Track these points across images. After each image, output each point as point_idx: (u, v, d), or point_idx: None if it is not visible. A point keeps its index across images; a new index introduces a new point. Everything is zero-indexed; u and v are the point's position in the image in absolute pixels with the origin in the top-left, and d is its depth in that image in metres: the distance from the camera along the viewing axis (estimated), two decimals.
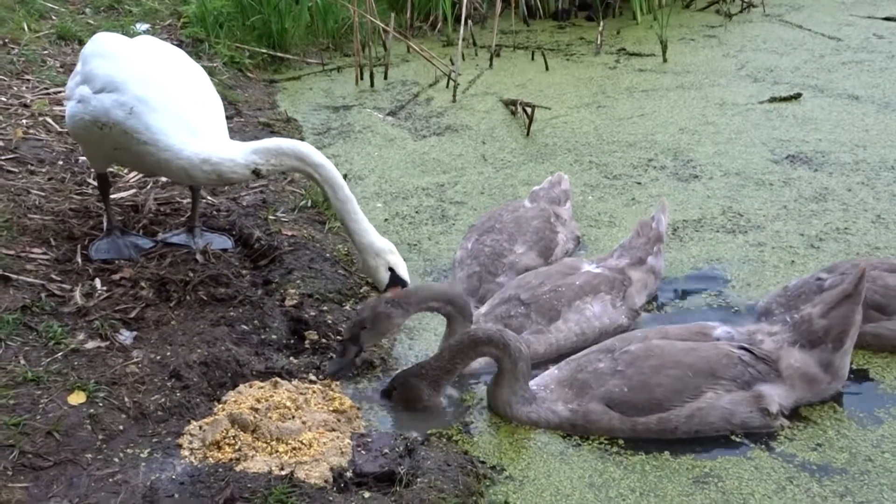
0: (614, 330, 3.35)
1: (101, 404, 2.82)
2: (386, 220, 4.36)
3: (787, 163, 4.80)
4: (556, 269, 3.49)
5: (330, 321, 3.43)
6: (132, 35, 5.80)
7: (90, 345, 3.11)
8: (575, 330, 3.31)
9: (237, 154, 3.26)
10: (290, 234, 3.94)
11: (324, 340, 3.34)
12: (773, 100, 5.67)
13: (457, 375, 3.05)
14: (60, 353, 3.03)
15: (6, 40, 5.55)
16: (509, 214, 3.89)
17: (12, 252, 3.51)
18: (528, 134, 5.31)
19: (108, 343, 3.14)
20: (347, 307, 3.55)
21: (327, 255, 3.86)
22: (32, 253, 3.56)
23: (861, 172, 4.65)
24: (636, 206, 4.40)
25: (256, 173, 3.28)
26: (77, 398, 2.83)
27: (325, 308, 3.49)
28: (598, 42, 6.83)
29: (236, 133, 5.11)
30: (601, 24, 7.02)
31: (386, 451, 2.71)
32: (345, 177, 4.58)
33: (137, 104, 3.30)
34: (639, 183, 4.66)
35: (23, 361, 2.95)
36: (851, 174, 4.64)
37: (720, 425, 2.86)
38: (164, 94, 3.32)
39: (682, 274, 3.83)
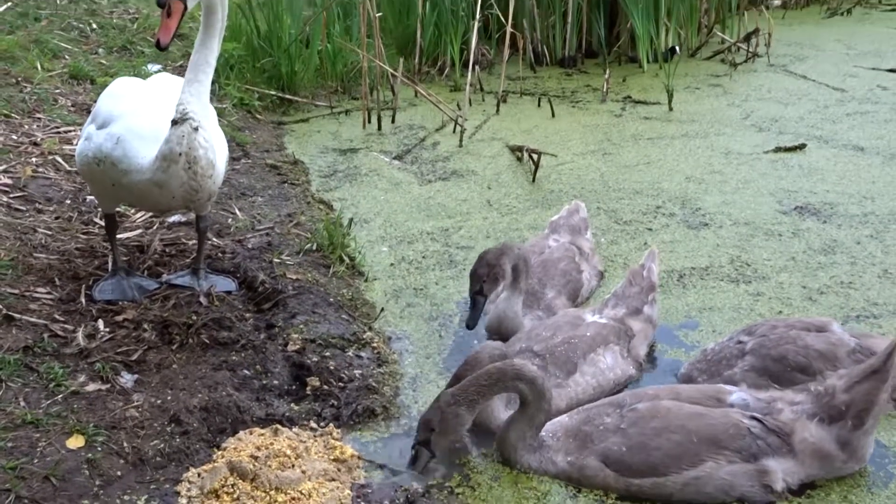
0: (625, 381, 3.36)
1: (99, 449, 2.79)
2: (392, 264, 4.36)
3: (796, 213, 4.80)
4: (563, 319, 3.47)
5: (332, 367, 3.41)
6: (144, 76, 5.88)
7: (91, 387, 3.09)
8: (592, 383, 3.29)
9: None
10: (294, 277, 3.94)
11: (325, 387, 3.31)
12: (778, 150, 5.69)
13: (482, 406, 2.96)
14: (60, 396, 3.00)
15: (19, 79, 5.61)
16: (536, 257, 3.92)
17: (17, 291, 3.51)
18: (533, 180, 5.32)
19: (108, 385, 3.12)
20: (350, 353, 3.53)
21: (331, 299, 3.85)
22: (37, 292, 3.56)
23: (870, 225, 4.65)
24: (658, 252, 4.40)
25: None
26: (76, 442, 2.80)
27: (327, 354, 3.47)
28: (605, 89, 6.88)
29: (243, 174, 5.14)
30: (607, 71, 7.09)
31: (386, 502, 2.67)
32: (350, 221, 4.64)
33: (124, 133, 3.35)
34: (650, 229, 4.67)
35: (22, 403, 2.93)
36: (860, 226, 4.63)
37: (718, 497, 2.76)
38: (155, 124, 3.34)
39: (672, 323, 3.83)
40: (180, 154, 3.24)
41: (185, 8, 3.23)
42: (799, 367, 3.14)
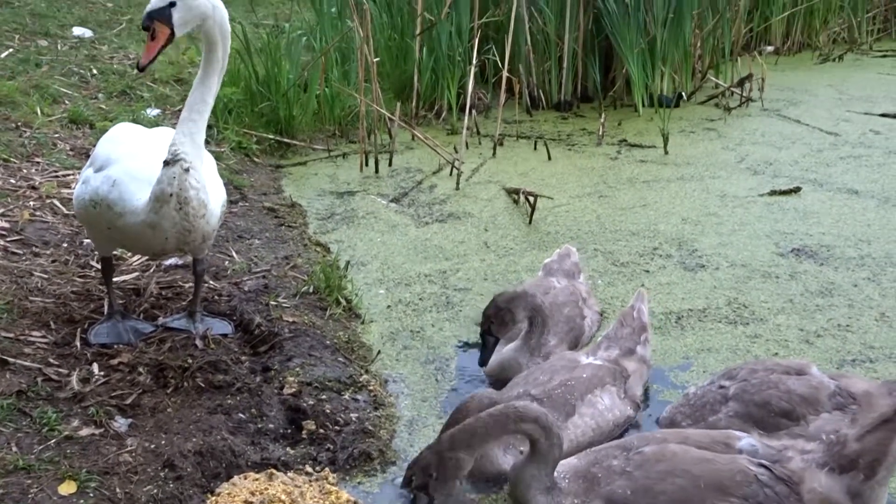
0: (624, 421, 3.34)
1: (91, 495, 2.75)
2: (389, 306, 4.35)
3: (793, 256, 4.81)
4: (560, 363, 3.46)
5: (328, 410, 3.38)
6: (143, 120, 5.92)
7: (84, 432, 3.06)
8: (591, 424, 3.26)
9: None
10: (291, 320, 3.92)
11: (321, 430, 3.28)
12: (773, 193, 5.72)
13: (484, 449, 2.91)
14: (53, 441, 2.97)
15: (19, 124, 5.65)
16: (541, 296, 3.90)
17: (11, 335, 3.49)
18: (530, 222, 5.34)
19: (102, 430, 3.09)
20: (346, 396, 3.50)
21: (327, 342, 3.83)
22: (31, 336, 3.54)
23: (866, 268, 4.66)
24: (647, 293, 4.40)
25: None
26: (68, 488, 2.77)
27: (323, 397, 3.45)
28: (600, 133, 6.94)
29: (240, 217, 5.15)
30: (603, 115, 7.15)
31: None
32: (347, 263, 4.64)
33: (120, 176, 3.36)
34: (647, 271, 4.68)
35: (15, 448, 2.89)
36: (857, 269, 4.64)
37: None
38: (152, 167, 3.35)
39: (670, 364, 3.82)
40: (171, 195, 3.24)
41: (172, 34, 3.24)
42: (782, 413, 3.12)
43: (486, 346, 3.66)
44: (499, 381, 3.60)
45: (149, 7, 3.24)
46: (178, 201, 3.26)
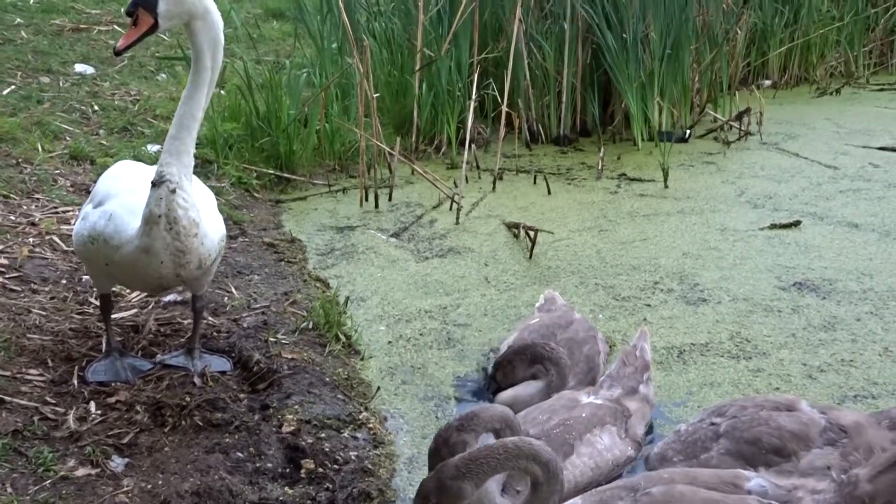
0: (625, 462, 3.30)
1: None
2: (389, 342, 4.32)
3: (795, 290, 4.79)
4: (559, 402, 3.42)
5: (327, 449, 3.34)
6: (144, 156, 5.94)
7: (80, 472, 3.03)
8: (590, 464, 3.22)
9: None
10: (290, 356, 3.90)
11: (320, 469, 3.24)
12: (773, 226, 5.72)
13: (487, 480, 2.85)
14: (49, 481, 2.93)
15: (20, 160, 5.66)
16: (561, 332, 3.90)
17: (8, 373, 3.47)
18: (530, 256, 5.33)
19: (98, 470, 3.05)
20: (346, 434, 3.47)
21: (326, 378, 3.80)
22: (29, 374, 3.51)
23: (869, 302, 4.64)
24: (648, 327, 4.37)
25: None
26: None
27: (322, 435, 3.41)
28: (600, 167, 6.96)
29: (240, 253, 5.14)
30: (602, 149, 7.18)
31: None
32: (347, 299, 4.62)
33: (117, 209, 3.35)
34: (648, 305, 4.66)
35: (9, 490, 2.85)
36: (860, 303, 4.62)
37: None
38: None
39: (673, 399, 3.79)
40: (160, 216, 3.23)
41: (155, 24, 3.17)
42: (773, 449, 3.09)
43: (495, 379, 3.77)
44: None
45: None
46: (167, 221, 3.24)
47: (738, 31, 8.76)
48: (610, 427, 3.32)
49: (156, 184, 3.25)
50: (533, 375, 3.67)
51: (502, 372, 3.74)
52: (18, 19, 8.88)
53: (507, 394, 3.67)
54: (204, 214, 3.40)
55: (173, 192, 3.23)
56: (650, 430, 3.59)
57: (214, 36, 3.29)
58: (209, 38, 3.28)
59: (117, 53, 3.26)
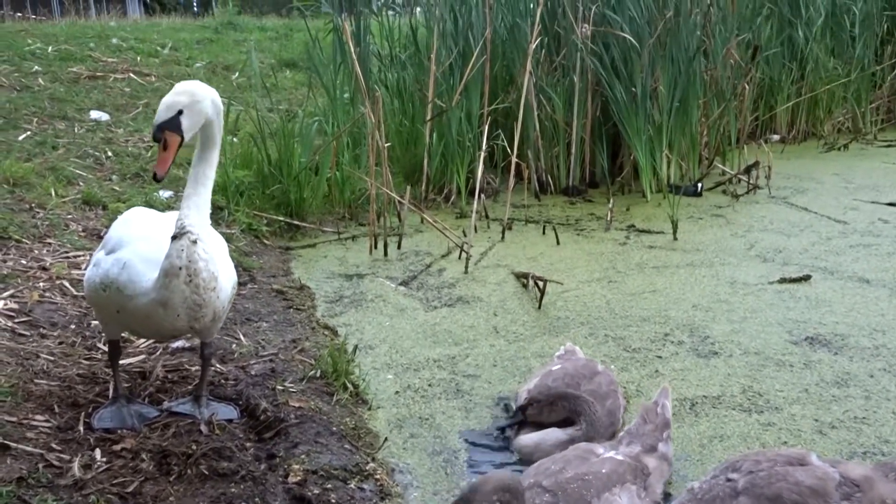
0: None
1: None
2: (397, 392, 4.29)
3: (807, 344, 4.75)
4: (573, 453, 3.37)
5: (334, 500, 3.29)
6: (156, 202, 5.98)
7: None
8: None
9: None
10: (297, 405, 3.86)
11: None
12: (783, 280, 5.70)
13: None
14: None
15: (33, 205, 5.71)
16: (586, 383, 3.87)
17: (14, 419, 3.44)
18: (539, 307, 5.31)
19: None
20: (352, 485, 3.41)
21: (334, 428, 3.76)
22: (35, 420, 3.48)
23: (882, 358, 4.59)
24: (660, 379, 4.34)
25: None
26: None
27: (329, 486, 3.36)
28: (609, 218, 6.98)
29: (248, 300, 5.13)
30: (611, 200, 7.20)
31: None
32: (355, 347, 4.60)
33: (131, 258, 3.36)
34: (659, 357, 4.62)
35: None
36: (872, 359, 4.58)
37: None
38: (163, 249, 3.35)
39: (685, 452, 3.74)
40: (181, 268, 3.24)
41: (182, 140, 3.29)
42: None
43: (514, 417, 3.78)
44: (523, 461, 3.55)
45: (158, 119, 3.27)
46: (187, 273, 3.25)
47: (746, 86, 8.86)
48: (630, 486, 3.25)
49: (177, 236, 3.27)
50: (561, 423, 3.62)
51: (537, 409, 3.69)
52: (37, 66, 9.04)
53: (530, 438, 3.63)
54: (219, 264, 3.42)
55: (194, 243, 3.26)
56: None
57: (217, 108, 3.42)
58: (216, 112, 3.40)
59: (158, 180, 3.37)
